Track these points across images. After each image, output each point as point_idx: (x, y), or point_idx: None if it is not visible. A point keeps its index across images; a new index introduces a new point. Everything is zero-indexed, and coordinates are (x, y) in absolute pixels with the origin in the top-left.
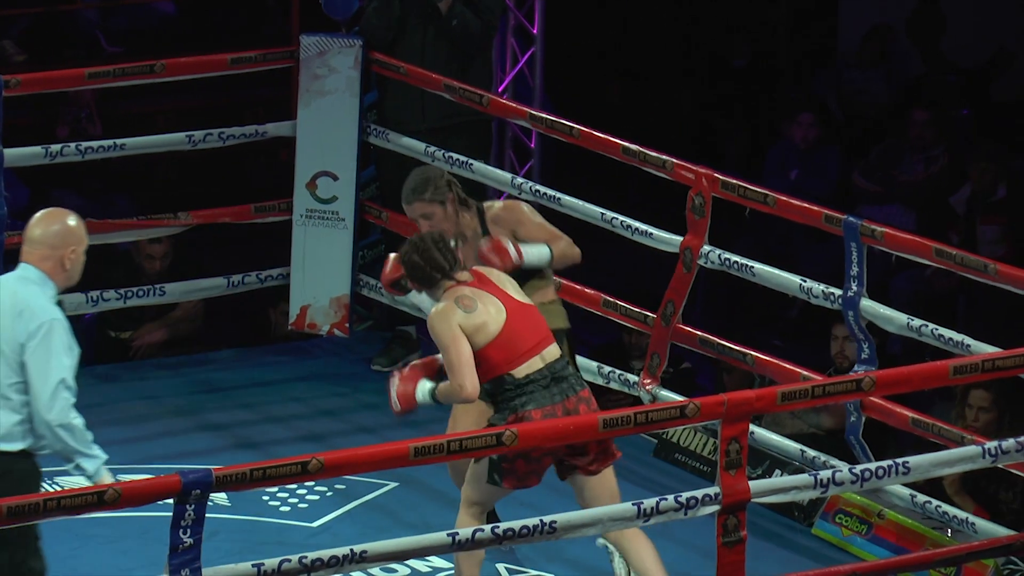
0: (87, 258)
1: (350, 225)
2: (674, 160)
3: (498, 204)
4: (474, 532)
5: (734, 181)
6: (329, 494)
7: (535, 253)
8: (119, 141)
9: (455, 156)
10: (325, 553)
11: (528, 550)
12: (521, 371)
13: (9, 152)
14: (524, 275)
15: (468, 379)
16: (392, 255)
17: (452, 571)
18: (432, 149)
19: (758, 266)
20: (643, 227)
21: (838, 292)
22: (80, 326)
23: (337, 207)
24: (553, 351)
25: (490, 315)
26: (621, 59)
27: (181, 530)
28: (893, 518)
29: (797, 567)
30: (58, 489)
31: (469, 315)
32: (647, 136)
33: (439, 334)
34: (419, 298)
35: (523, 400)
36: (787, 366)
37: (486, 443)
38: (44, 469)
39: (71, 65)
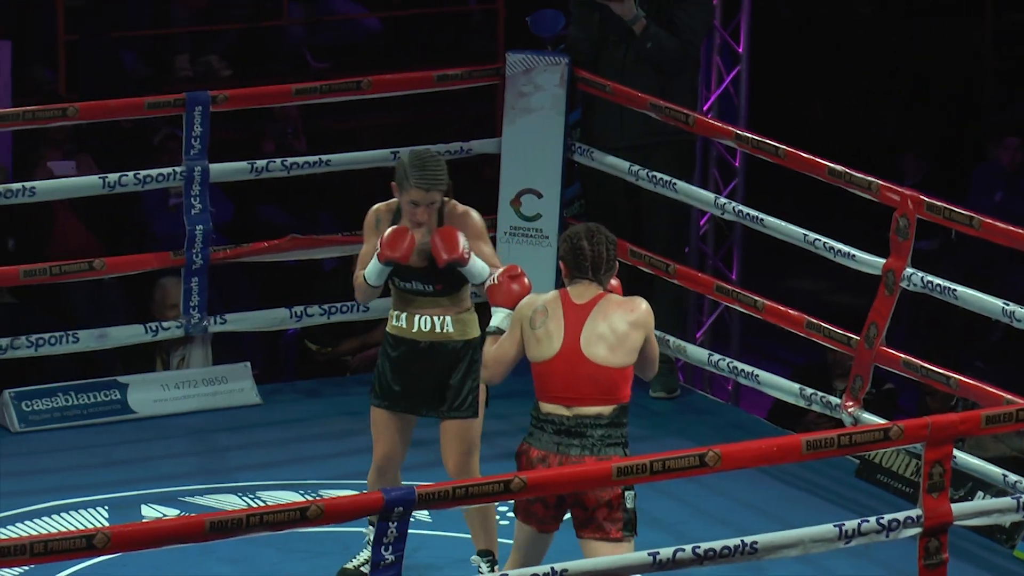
0: (292, 274)
1: (554, 243)
2: (880, 182)
3: (461, 207)
4: (675, 552)
5: (940, 203)
6: None
7: (479, 267)
8: (324, 157)
9: (659, 175)
10: (526, 571)
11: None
12: (545, 407)
13: (215, 167)
14: (458, 283)
15: (490, 372)
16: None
17: None
18: (636, 168)
19: (961, 289)
20: (846, 248)
21: None
22: (283, 341)
23: (541, 225)
24: (588, 411)
25: (542, 344)
26: (825, 79)
27: (383, 547)
28: None
29: None
30: (261, 505)
31: (530, 329)
32: (850, 157)
33: (511, 320)
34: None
35: (533, 432)
36: (990, 389)
37: (689, 464)
38: (245, 484)
39: (276, 81)
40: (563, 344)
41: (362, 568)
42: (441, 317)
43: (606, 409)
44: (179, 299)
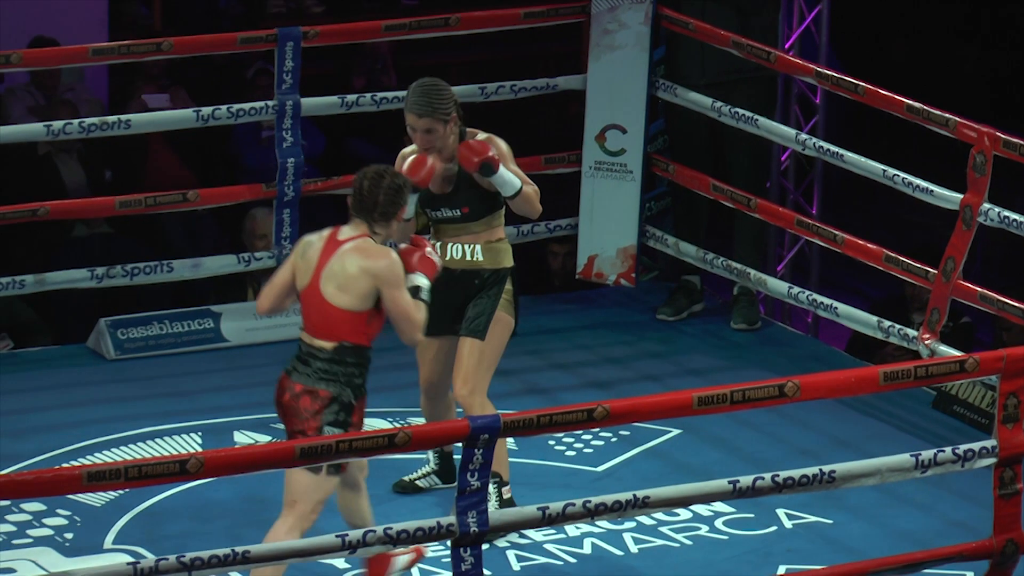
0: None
1: (638, 177)
2: (957, 119)
3: (484, 134)
4: (755, 480)
5: (1016, 140)
6: (614, 440)
7: (509, 176)
8: None
9: (741, 111)
10: (609, 498)
11: (808, 497)
12: (300, 332)
13: (306, 101)
14: (486, 208)
15: (264, 298)
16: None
17: (733, 516)
18: (718, 104)
19: None
20: (924, 184)
21: None
22: None
23: (625, 159)
24: (314, 343)
25: (301, 275)
26: (907, 17)
27: (469, 473)
28: None
29: None
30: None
31: (300, 260)
32: (931, 95)
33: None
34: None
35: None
36: None
37: (769, 394)
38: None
39: (367, 17)
40: (311, 277)
41: (417, 482)
42: (471, 245)
43: (327, 344)
44: (269, 229)
